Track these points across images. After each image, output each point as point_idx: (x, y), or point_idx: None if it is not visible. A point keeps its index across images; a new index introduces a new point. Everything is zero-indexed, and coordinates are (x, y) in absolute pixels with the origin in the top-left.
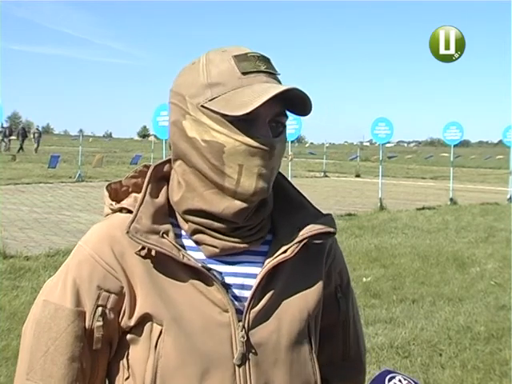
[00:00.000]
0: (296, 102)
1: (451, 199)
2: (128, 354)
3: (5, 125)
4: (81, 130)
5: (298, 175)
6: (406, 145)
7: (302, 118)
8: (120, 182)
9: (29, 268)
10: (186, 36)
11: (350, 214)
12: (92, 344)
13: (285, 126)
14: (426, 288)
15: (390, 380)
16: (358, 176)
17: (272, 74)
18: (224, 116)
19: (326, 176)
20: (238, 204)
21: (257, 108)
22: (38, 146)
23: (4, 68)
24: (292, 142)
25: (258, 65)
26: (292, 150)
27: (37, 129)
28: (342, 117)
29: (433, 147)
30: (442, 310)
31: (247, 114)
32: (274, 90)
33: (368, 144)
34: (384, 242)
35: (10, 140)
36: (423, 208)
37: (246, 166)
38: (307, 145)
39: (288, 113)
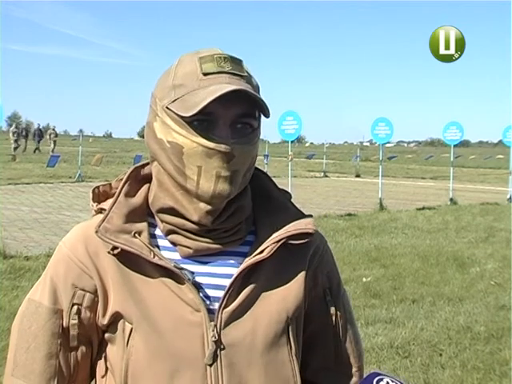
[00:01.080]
0: (258, 103)
1: (451, 199)
2: (107, 353)
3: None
4: (81, 130)
5: (297, 175)
6: (406, 145)
7: (298, 118)
8: (110, 184)
9: (29, 268)
10: (186, 36)
11: (349, 214)
12: (69, 342)
13: (255, 128)
14: (426, 288)
15: (377, 382)
16: (358, 176)
17: (238, 75)
18: (182, 117)
19: (326, 176)
20: (203, 206)
21: (205, 108)
22: (54, 146)
23: (4, 68)
24: (292, 142)
25: (222, 66)
26: (292, 150)
27: (53, 129)
28: (342, 117)
29: (433, 147)
30: (442, 310)
31: (200, 114)
32: (221, 91)
33: (368, 144)
34: (384, 242)
35: (25, 140)
36: (423, 208)
37: (204, 167)
38: (307, 145)
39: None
